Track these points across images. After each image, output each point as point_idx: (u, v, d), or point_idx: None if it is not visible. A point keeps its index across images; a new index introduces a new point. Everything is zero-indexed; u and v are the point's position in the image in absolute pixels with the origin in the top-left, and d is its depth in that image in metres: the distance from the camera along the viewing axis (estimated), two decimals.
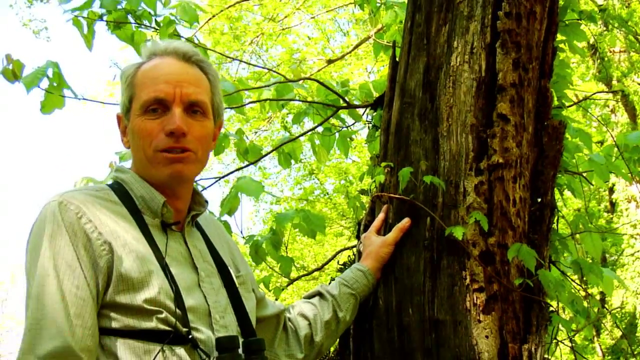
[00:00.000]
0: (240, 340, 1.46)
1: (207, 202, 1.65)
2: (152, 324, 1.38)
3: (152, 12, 2.57)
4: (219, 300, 1.53)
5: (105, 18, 2.52)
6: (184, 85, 1.53)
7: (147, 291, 1.39)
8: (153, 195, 1.52)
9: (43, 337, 1.32)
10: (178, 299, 1.42)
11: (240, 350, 1.42)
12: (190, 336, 1.41)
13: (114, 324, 1.38)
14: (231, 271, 1.62)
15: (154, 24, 2.59)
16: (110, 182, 1.59)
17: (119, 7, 2.53)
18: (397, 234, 1.91)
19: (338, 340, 1.97)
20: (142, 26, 2.58)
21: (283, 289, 2.79)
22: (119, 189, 1.53)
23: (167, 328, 1.39)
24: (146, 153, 1.51)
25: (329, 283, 1.95)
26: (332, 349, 2.03)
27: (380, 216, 2.00)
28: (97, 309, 1.38)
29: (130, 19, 2.54)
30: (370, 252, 1.94)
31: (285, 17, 10.89)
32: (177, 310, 1.41)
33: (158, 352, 1.36)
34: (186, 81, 1.54)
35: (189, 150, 1.51)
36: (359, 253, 2.01)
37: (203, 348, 1.42)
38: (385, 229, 1.98)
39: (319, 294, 1.89)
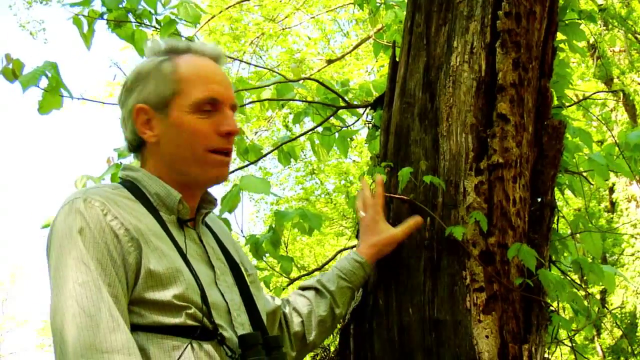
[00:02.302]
0: None
1: (216, 200, 1.65)
2: (180, 319, 1.38)
3: (153, 11, 2.57)
4: (234, 299, 1.53)
5: (105, 17, 2.52)
6: (229, 88, 1.57)
7: (176, 287, 1.39)
8: (169, 191, 1.52)
9: (101, 330, 1.29)
10: (204, 295, 1.42)
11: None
12: (218, 332, 1.41)
13: (142, 320, 1.37)
14: (242, 269, 1.62)
15: (154, 23, 2.60)
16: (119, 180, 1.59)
17: (120, 5, 2.53)
18: (407, 232, 1.85)
19: (338, 340, 1.97)
20: (143, 25, 2.58)
21: (283, 289, 2.79)
22: (132, 187, 1.52)
23: (195, 323, 1.39)
24: (195, 152, 1.51)
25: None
26: (332, 348, 2.03)
27: (379, 195, 1.91)
28: (127, 306, 1.37)
29: (131, 17, 2.54)
30: (374, 244, 1.85)
31: (286, 17, 10.89)
32: (204, 306, 1.41)
33: (186, 347, 1.36)
34: (228, 84, 1.58)
35: (230, 154, 1.55)
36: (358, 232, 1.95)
37: (229, 344, 1.42)
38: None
39: (315, 289, 1.85)
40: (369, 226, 1.89)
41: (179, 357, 1.35)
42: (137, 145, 1.58)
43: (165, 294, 1.38)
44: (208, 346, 1.40)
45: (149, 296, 1.37)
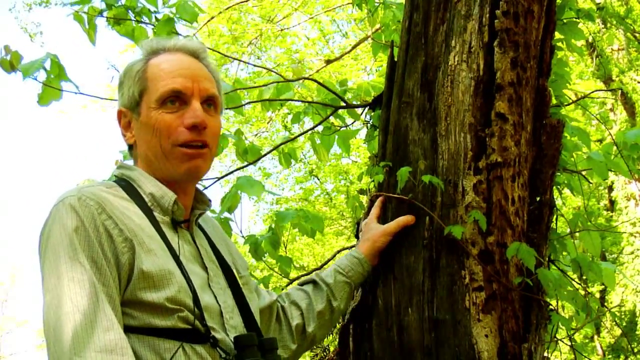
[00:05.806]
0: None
1: (210, 201, 1.65)
2: (172, 322, 1.37)
3: (153, 9, 2.59)
4: (227, 301, 1.52)
5: (105, 14, 2.53)
6: (200, 80, 1.54)
7: (168, 289, 1.38)
8: (164, 192, 1.51)
9: (96, 329, 1.28)
10: (196, 298, 1.41)
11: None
12: (210, 334, 1.41)
13: (134, 322, 1.36)
14: (234, 271, 1.62)
15: (153, 21, 2.61)
16: (115, 179, 1.58)
17: (120, 3, 2.54)
18: (397, 225, 1.89)
19: (338, 339, 1.97)
20: (142, 23, 2.59)
21: (283, 289, 2.79)
22: (127, 186, 1.51)
23: (186, 326, 1.39)
24: (163, 147, 1.50)
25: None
26: (331, 348, 2.04)
27: (378, 205, 1.99)
28: (120, 306, 1.36)
29: (131, 15, 2.55)
30: (367, 238, 1.92)
31: (284, 18, 10.89)
32: (196, 309, 1.40)
33: (178, 349, 1.36)
34: (201, 76, 1.55)
35: (207, 146, 1.52)
36: (357, 232, 2.01)
37: (222, 347, 1.41)
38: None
39: (313, 282, 1.87)
40: (364, 232, 1.96)
41: None
42: (130, 148, 1.60)
43: (158, 296, 1.37)
44: (200, 349, 1.39)
45: (141, 297, 1.36)
